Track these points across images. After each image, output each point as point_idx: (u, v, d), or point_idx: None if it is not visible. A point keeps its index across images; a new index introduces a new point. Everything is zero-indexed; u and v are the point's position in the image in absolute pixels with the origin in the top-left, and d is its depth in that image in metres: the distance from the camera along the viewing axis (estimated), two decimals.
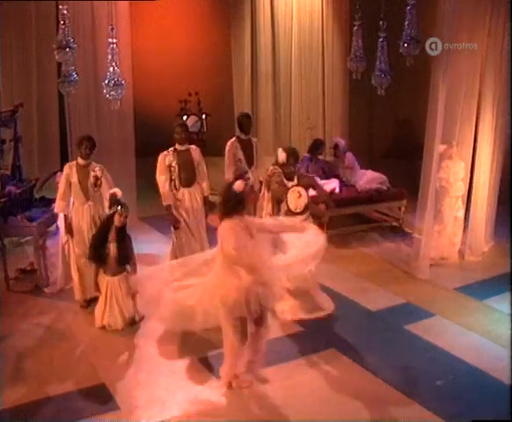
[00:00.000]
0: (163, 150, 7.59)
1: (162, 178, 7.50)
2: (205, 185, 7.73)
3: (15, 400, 5.41)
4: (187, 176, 7.56)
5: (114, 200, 6.96)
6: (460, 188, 8.70)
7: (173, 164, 7.50)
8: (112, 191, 7.14)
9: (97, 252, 6.76)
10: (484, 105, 8.43)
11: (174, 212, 7.55)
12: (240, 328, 5.56)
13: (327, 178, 10.36)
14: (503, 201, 8.75)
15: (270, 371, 5.90)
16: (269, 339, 6.42)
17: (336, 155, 10.78)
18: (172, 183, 7.52)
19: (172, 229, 7.67)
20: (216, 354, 6.22)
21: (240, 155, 8.55)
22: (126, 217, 6.79)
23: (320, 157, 10.83)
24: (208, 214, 7.84)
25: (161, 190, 7.53)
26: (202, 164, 7.72)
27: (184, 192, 7.57)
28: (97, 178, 7.24)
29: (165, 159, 7.52)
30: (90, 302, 7.24)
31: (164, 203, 7.56)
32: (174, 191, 7.54)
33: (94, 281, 6.91)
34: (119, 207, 6.72)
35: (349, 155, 10.76)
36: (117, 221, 6.72)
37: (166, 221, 7.71)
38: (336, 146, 10.81)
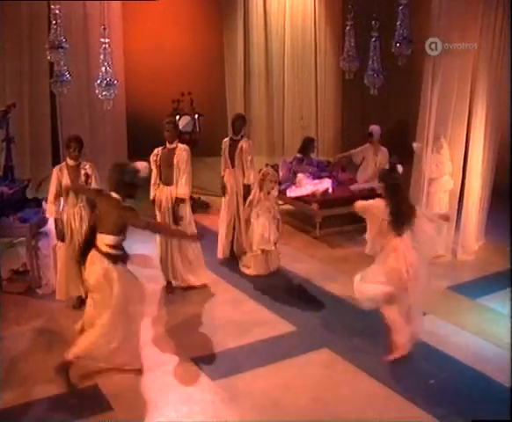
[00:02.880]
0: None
1: (152, 173, 7.60)
2: (180, 184, 7.59)
3: (8, 401, 5.38)
4: (166, 174, 7.62)
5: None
6: (447, 183, 8.70)
7: (157, 161, 7.65)
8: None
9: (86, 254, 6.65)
10: (476, 105, 8.45)
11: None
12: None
13: (320, 177, 10.35)
14: (497, 199, 8.79)
15: (263, 371, 5.91)
16: (261, 339, 6.48)
17: (370, 142, 10.77)
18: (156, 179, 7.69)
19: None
20: (210, 355, 6.23)
21: (226, 154, 8.62)
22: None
23: (312, 156, 10.82)
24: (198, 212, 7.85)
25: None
26: (182, 164, 7.58)
27: (162, 190, 7.64)
28: (87, 176, 7.14)
29: (152, 155, 7.69)
30: (81, 303, 7.20)
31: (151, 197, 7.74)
32: (155, 186, 7.68)
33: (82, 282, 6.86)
34: None
35: (384, 150, 10.71)
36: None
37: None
38: (370, 133, 10.79)
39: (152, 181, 7.64)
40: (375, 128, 10.71)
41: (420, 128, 8.18)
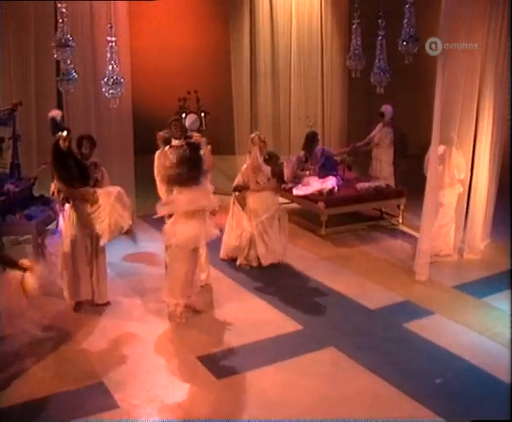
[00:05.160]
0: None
1: (159, 178, 7.47)
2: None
3: (14, 399, 5.40)
4: None
5: (56, 125, 6.94)
6: (457, 189, 8.66)
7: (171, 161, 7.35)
8: (51, 114, 7.13)
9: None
10: (483, 105, 8.42)
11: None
12: None
13: (326, 175, 10.30)
14: (501, 199, 8.76)
15: (269, 369, 5.91)
16: (267, 337, 6.48)
17: (382, 123, 10.87)
18: None
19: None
20: (215, 353, 6.24)
21: None
22: (70, 141, 6.72)
23: (318, 148, 10.76)
24: None
25: (159, 190, 7.50)
26: None
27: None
28: (97, 180, 7.13)
29: (161, 157, 7.50)
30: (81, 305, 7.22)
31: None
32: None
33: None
34: (64, 133, 6.67)
35: (389, 129, 10.82)
36: (62, 144, 6.69)
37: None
38: (382, 114, 10.85)
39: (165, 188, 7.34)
40: (386, 108, 10.77)
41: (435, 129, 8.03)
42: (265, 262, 8.37)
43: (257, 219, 8.34)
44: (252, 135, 8.59)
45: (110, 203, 6.69)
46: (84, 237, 6.98)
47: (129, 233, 7.06)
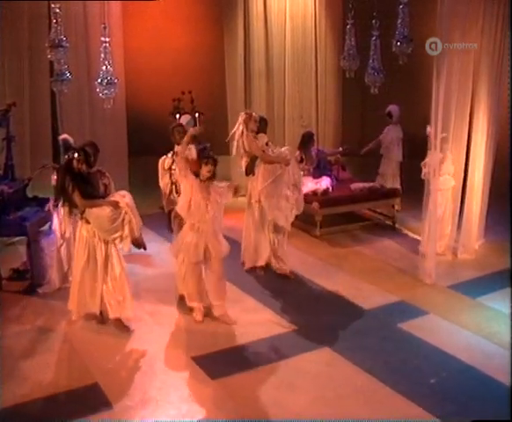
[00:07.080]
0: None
1: (163, 183, 7.50)
2: None
3: (8, 400, 5.37)
4: None
5: (68, 146, 7.00)
6: (447, 181, 8.67)
7: (173, 167, 7.37)
8: (63, 137, 7.39)
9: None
10: (478, 105, 8.44)
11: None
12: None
13: (320, 176, 10.31)
14: (496, 199, 8.78)
15: (264, 370, 5.91)
16: (262, 338, 6.48)
17: (391, 123, 10.98)
18: (173, 186, 7.44)
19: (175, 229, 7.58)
20: (210, 353, 6.23)
21: None
22: (83, 163, 6.58)
23: (314, 148, 10.77)
24: None
25: (164, 194, 7.54)
26: None
27: None
28: (106, 186, 7.06)
29: (164, 163, 7.51)
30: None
31: (166, 209, 7.56)
32: (175, 194, 7.39)
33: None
34: (75, 154, 6.56)
35: (397, 127, 11.04)
36: (75, 165, 6.58)
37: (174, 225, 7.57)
38: (389, 113, 10.91)
39: (167, 191, 7.46)
40: (394, 108, 10.85)
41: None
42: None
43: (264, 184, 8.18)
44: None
45: (126, 208, 6.53)
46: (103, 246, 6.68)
47: (138, 241, 6.95)
